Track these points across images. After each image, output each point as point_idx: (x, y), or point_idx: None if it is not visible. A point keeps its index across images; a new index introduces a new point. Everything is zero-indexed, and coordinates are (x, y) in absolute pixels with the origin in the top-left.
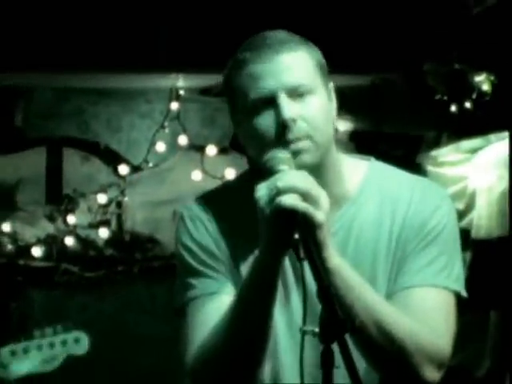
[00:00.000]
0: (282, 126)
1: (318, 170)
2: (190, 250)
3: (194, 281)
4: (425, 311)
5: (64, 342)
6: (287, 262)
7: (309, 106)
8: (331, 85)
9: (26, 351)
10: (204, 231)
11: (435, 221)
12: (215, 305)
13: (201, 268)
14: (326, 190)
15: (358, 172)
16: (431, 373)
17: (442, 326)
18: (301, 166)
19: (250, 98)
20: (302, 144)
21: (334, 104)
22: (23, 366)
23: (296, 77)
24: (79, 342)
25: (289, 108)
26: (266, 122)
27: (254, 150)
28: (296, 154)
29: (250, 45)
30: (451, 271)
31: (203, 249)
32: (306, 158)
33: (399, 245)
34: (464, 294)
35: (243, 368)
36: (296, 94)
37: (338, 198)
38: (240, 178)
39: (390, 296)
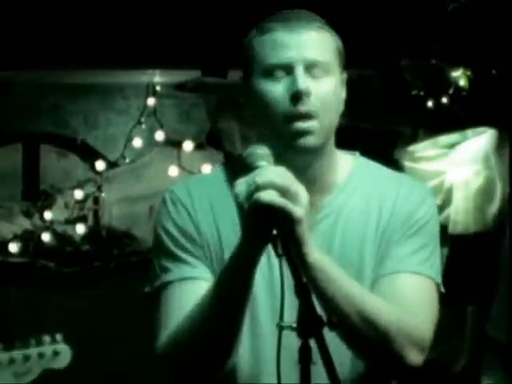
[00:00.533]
0: (296, 96)
1: (317, 154)
2: (169, 234)
3: (171, 265)
4: (408, 296)
5: (41, 355)
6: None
7: (323, 85)
8: (345, 75)
9: None
10: (186, 216)
11: (421, 213)
12: (191, 290)
13: (179, 253)
14: (319, 176)
15: (346, 164)
16: (414, 356)
17: (425, 312)
18: (303, 148)
19: (269, 63)
20: (309, 124)
21: (343, 93)
22: None
23: (318, 53)
24: (59, 355)
25: (305, 80)
26: (280, 89)
27: (264, 119)
28: (301, 134)
29: (277, 16)
30: (434, 263)
31: (183, 233)
32: (310, 139)
33: (386, 232)
34: (442, 288)
35: (215, 354)
36: (313, 70)
37: (329, 184)
38: (220, 170)
39: (374, 282)
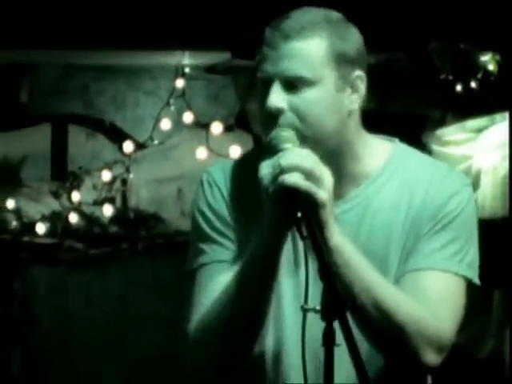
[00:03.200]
0: (269, 114)
1: (329, 151)
2: (205, 216)
3: (205, 247)
4: (431, 295)
5: None
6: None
7: (303, 99)
8: (356, 74)
9: None
10: (220, 198)
11: (452, 206)
12: (224, 273)
13: (214, 235)
14: (341, 170)
15: (382, 152)
16: (431, 356)
17: (446, 311)
18: None
19: (257, 76)
20: (279, 133)
21: (351, 95)
22: None
23: (295, 68)
24: None
25: (277, 97)
26: (263, 103)
27: (260, 126)
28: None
29: (273, 23)
30: (464, 257)
31: (218, 216)
32: (283, 144)
33: (414, 226)
34: (477, 281)
35: (243, 335)
36: (292, 84)
37: (356, 176)
38: (251, 153)
39: (399, 277)
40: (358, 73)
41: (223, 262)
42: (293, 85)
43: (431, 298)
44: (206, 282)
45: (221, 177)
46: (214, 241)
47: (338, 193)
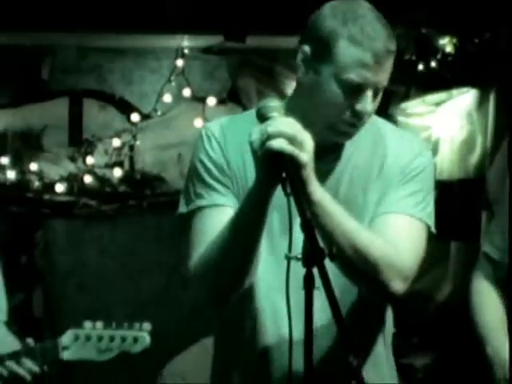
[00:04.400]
0: (359, 116)
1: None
2: (204, 165)
3: (203, 192)
4: (398, 234)
5: (124, 339)
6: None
7: (376, 103)
8: None
9: (88, 338)
10: (218, 150)
11: (417, 163)
12: (220, 216)
13: (211, 182)
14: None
15: None
16: (398, 286)
17: (411, 248)
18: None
19: (347, 77)
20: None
21: None
22: (81, 351)
23: (386, 79)
24: (137, 342)
25: (370, 104)
26: (347, 100)
27: (316, 106)
28: (343, 136)
29: (358, 24)
30: (426, 207)
31: (215, 165)
32: (344, 140)
33: (386, 178)
34: (433, 229)
35: (235, 273)
36: (377, 93)
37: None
38: (246, 114)
39: (372, 219)
40: None
41: (218, 206)
42: (376, 93)
43: (397, 237)
44: (204, 223)
45: (219, 131)
46: (211, 187)
47: (321, 153)
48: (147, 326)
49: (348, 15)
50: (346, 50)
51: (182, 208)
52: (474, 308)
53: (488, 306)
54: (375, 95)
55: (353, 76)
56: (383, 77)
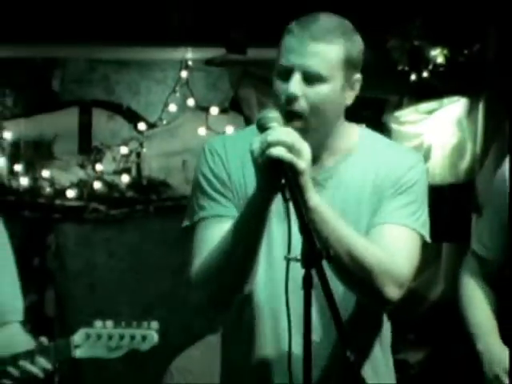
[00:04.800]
0: (287, 99)
1: (318, 134)
2: (206, 178)
3: (206, 204)
4: (393, 244)
5: (133, 337)
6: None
7: (316, 92)
8: (356, 77)
9: (98, 337)
10: (220, 164)
11: (410, 176)
12: (221, 226)
13: (213, 194)
14: (324, 146)
15: (353, 134)
16: (393, 292)
17: (405, 257)
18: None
19: (279, 64)
20: (297, 123)
21: (349, 92)
22: (92, 349)
23: (316, 65)
24: (145, 340)
25: (296, 86)
26: (282, 89)
27: (273, 102)
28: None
29: (301, 21)
30: (419, 217)
31: (217, 178)
32: (300, 134)
33: (379, 191)
34: (428, 239)
35: (236, 279)
36: (310, 78)
37: (334, 151)
38: (246, 130)
39: (368, 230)
40: (358, 76)
41: (220, 217)
42: (310, 78)
43: (393, 246)
44: (206, 232)
45: (221, 147)
46: (212, 199)
47: (320, 164)
48: (155, 324)
49: (303, 18)
50: (282, 41)
51: (186, 221)
52: (462, 304)
53: (476, 302)
54: (308, 81)
55: (283, 61)
56: (312, 61)
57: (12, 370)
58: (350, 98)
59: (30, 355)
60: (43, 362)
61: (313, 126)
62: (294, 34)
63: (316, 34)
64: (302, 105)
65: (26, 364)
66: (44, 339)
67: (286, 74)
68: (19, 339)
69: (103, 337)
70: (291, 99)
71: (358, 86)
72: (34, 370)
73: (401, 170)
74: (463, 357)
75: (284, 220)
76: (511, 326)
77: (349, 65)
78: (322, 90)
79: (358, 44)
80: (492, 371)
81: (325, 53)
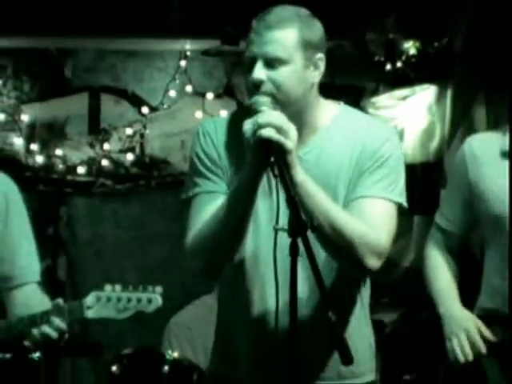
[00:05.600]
0: (253, 84)
1: (296, 111)
2: (198, 157)
3: (199, 181)
4: (372, 215)
5: (139, 300)
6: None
7: (279, 73)
8: (318, 56)
9: (108, 300)
10: (211, 144)
11: (385, 149)
12: (212, 201)
13: (205, 172)
14: (303, 123)
15: (331, 111)
16: (372, 261)
17: (384, 227)
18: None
19: (245, 56)
20: (257, 98)
21: (313, 71)
22: (102, 311)
23: (273, 50)
24: (151, 303)
25: (260, 71)
26: (246, 75)
27: (246, 91)
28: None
29: (259, 15)
30: (395, 188)
31: (209, 158)
32: (261, 107)
33: (357, 165)
34: (405, 204)
35: (227, 248)
36: (271, 62)
37: (313, 128)
38: (234, 114)
39: (347, 203)
40: (320, 55)
41: (211, 193)
42: (271, 63)
43: (372, 217)
44: (199, 207)
45: (212, 128)
46: (205, 176)
47: (301, 140)
48: (159, 289)
49: (261, 13)
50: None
51: (183, 195)
52: (426, 273)
53: (439, 272)
54: (270, 65)
55: (246, 53)
56: (269, 48)
57: (30, 330)
58: (315, 76)
59: (46, 315)
60: (58, 321)
61: (284, 103)
62: (253, 28)
63: (270, 24)
64: (268, 87)
65: (42, 325)
66: (60, 300)
67: (252, 64)
68: (36, 299)
69: (112, 299)
70: (257, 84)
71: (322, 65)
72: (49, 330)
73: (376, 143)
74: (431, 317)
75: (268, 194)
76: (472, 292)
77: (307, 46)
78: (283, 71)
79: (315, 28)
80: (452, 331)
81: (280, 38)
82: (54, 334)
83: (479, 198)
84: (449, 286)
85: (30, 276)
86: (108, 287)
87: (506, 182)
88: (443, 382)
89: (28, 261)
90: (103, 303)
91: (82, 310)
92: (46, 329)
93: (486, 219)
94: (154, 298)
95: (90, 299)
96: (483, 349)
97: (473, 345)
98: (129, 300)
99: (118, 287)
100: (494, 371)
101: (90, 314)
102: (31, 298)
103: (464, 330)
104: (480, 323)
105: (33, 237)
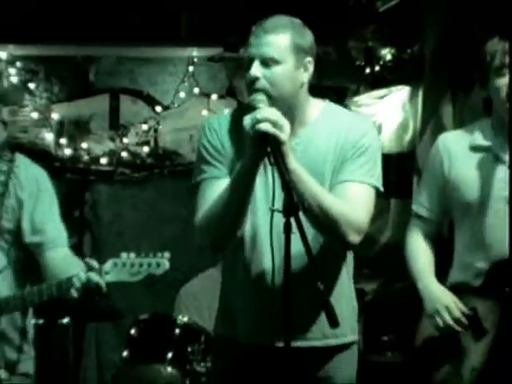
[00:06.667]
0: (250, 80)
1: (287, 107)
2: (205, 148)
3: (205, 168)
4: (354, 198)
5: (149, 264)
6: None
7: (273, 72)
8: (308, 59)
9: (123, 265)
10: (215, 136)
11: (365, 140)
12: (217, 185)
13: (211, 160)
14: (294, 118)
15: (318, 107)
16: (353, 238)
17: (363, 208)
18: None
19: (245, 57)
20: (255, 97)
21: (303, 72)
22: (118, 275)
23: (268, 51)
24: (159, 266)
25: (256, 69)
26: (248, 74)
27: (245, 88)
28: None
29: (258, 23)
30: (374, 173)
31: (214, 148)
32: (259, 104)
33: (341, 153)
34: (381, 189)
35: (231, 226)
36: (266, 62)
37: (302, 121)
38: (235, 111)
39: (332, 187)
40: (309, 59)
41: (216, 178)
42: (266, 62)
43: (354, 200)
44: (206, 190)
45: (216, 123)
46: (210, 164)
47: (293, 133)
48: (167, 254)
49: (261, 20)
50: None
51: (193, 180)
52: (407, 255)
53: (418, 254)
54: (265, 64)
55: (246, 54)
56: (265, 49)
57: (58, 294)
58: (305, 77)
59: (70, 281)
60: (95, 276)
61: (276, 99)
62: (253, 32)
63: (267, 29)
64: (262, 83)
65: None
66: (91, 260)
67: (250, 63)
68: (69, 258)
69: (127, 265)
70: (253, 80)
71: (310, 67)
72: (97, 279)
73: (357, 135)
74: (405, 286)
75: (264, 180)
76: (442, 266)
77: (298, 50)
78: (276, 69)
79: (306, 35)
80: (432, 307)
81: (275, 41)
82: (96, 278)
83: (452, 186)
84: (427, 266)
85: (60, 241)
86: (123, 254)
87: (475, 173)
88: (423, 344)
89: (56, 230)
90: (119, 268)
91: (101, 274)
92: (92, 276)
93: (458, 205)
94: (162, 262)
95: (107, 265)
96: (464, 321)
97: (455, 320)
98: (141, 264)
99: (131, 254)
100: (467, 338)
101: (107, 277)
102: (65, 259)
103: (445, 308)
104: (455, 298)
105: (59, 215)
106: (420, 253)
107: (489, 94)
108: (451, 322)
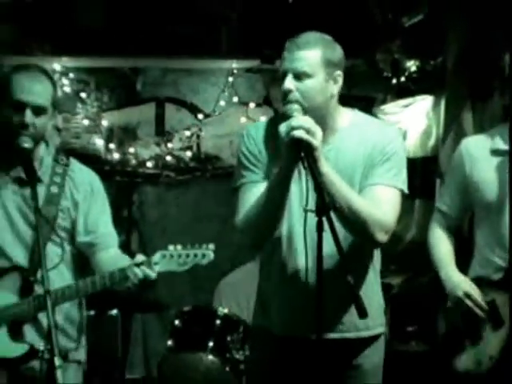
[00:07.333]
0: (284, 93)
1: (319, 116)
2: (244, 154)
3: (244, 173)
4: (381, 200)
5: (195, 255)
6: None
7: (305, 85)
8: (337, 73)
9: (171, 256)
10: (253, 143)
11: (391, 146)
12: (255, 188)
13: (249, 166)
14: (325, 126)
15: (348, 116)
16: (381, 237)
17: (390, 209)
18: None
19: (280, 70)
20: (291, 106)
21: (333, 85)
22: (166, 265)
23: (301, 66)
24: (205, 257)
25: (289, 83)
26: (282, 86)
27: (280, 99)
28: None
29: (291, 39)
30: (400, 177)
31: (252, 154)
32: (293, 113)
33: (369, 158)
34: (406, 191)
35: (269, 226)
36: (299, 76)
37: (333, 129)
38: (271, 119)
39: (361, 190)
40: (339, 72)
41: (254, 182)
42: (299, 76)
43: (381, 201)
44: (245, 194)
45: (254, 131)
46: (249, 169)
47: (325, 139)
48: (212, 246)
49: (294, 36)
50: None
51: (233, 184)
52: (429, 247)
53: (439, 245)
54: (298, 78)
55: (280, 68)
56: (298, 64)
57: (111, 285)
58: (334, 89)
59: (123, 272)
60: (147, 270)
61: (308, 109)
62: (286, 48)
63: (299, 45)
64: (295, 95)
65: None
66: (141, 256)
67: (284, 77)
68: (120, 258)
69: (174, 256)
70: (287, 92)
71: (340, 80)
72: (148, 272)
73: (384, 142)
74: (429, 281)
75: (298, 182)
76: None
77: (328, 64)
78: (308, 83)
79: (335, 50)
80: (454, 294)
81: (307, 57)
82: (150, 273)
83: (473, 187)
84: (447, 255)
85: (111, 242)
86: (171, 247)
87: (495, 175)
88: (445, 334)
89: (108, 231)
90: (167, 259)
91: (151, 265)
92: (146, 270)
93: (479, 204)
94: (207, 253)
95: (156, 256)
96: (485, 307)
97: (476, 304)
98: (187, 255)
99: (178, 246)
100: (486, 328)
101: (157, 268)
102: (115, 258)
103: (466, 294)
104: (474, 286)
105: (111, 216)
106: (441, 243)
107: (508, 101)
108: (472, 305)
